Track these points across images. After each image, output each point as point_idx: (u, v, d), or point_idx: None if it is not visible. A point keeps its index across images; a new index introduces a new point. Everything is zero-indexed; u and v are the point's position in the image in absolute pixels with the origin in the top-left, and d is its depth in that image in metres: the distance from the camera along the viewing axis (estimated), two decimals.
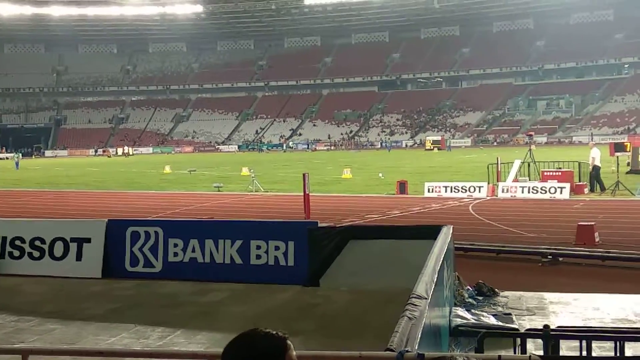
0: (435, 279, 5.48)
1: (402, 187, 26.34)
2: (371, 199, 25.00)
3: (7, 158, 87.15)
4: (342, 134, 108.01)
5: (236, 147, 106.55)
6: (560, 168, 27.04)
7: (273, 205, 23.37)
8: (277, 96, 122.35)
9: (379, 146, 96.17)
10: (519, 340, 5.54)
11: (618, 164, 25.20)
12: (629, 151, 28.89)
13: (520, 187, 24.55)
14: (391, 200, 24.18)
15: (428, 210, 21.07)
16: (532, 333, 5.59)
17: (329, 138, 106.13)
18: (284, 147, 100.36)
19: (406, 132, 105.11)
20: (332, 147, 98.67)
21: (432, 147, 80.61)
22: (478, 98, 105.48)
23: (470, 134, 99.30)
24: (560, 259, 12.34)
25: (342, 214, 19.78)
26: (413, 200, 23.79)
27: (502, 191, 24.78)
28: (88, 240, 11.36)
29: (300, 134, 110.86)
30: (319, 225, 10.74)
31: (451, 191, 25.20)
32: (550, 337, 5.24)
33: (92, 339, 7.72)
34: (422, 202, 23.29)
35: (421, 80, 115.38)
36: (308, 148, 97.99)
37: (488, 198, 24.23)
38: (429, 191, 25.62)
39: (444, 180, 27.71)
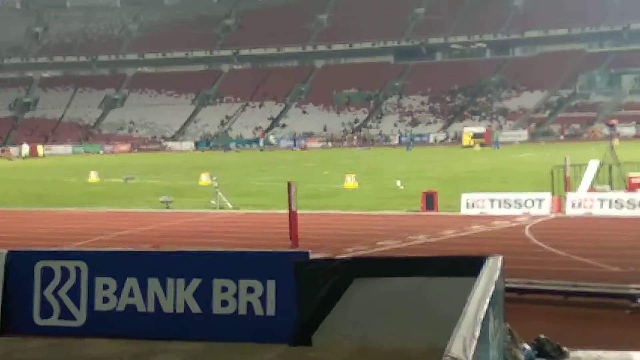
0: (477, 334, 5.55)
1: (430, 200, 26.50)
2: (386, 219, 25.22)
3: None
4: (343, 124, 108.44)
5: (192, 144, 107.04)
6: None
7: (245, 229, 23.53)
8: (251, 70, 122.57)
9: (397, 142, 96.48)
10: None
11: None
12: None
13: (598, 199, 24.72)
14: (414, 220, 24.41)
15: (467, 234, 21.31)
16: None
17: (325, 130, 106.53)
18: (261, 144, 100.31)
19: (435, 122, 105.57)
20: (330, 144, 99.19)
21: (472, 143, 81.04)
22: (537, 72, 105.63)
23: (526, 124, 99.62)
24: None
25: (343, 241, 20.06)
26: (445, 220, 24.02)
27: (573, 206, 24.93)
28: None
29: (284, 125, 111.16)
30: (311, 257, 10.80)
31: (500, 206, 25.52)
32: None
33: None
34: (459, 222, 23.51)
35: (456, 46, 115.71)
36: (295, 145, 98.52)
37: (552, 216, 24.41)
38: (467, 206, 25.89)
39: (490, 191, 27.88)
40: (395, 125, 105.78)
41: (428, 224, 23.12)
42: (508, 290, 10.91)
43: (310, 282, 10.44)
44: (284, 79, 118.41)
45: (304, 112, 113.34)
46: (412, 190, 31.87)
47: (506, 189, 29.73)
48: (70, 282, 11.08)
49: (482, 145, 79.81)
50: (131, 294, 10.89)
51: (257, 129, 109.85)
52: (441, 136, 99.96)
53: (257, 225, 24.51)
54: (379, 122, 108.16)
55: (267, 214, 27.02)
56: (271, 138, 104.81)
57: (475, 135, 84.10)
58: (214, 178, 32.91)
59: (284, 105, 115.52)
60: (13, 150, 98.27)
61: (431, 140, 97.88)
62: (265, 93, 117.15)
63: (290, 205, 19.82)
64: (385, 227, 23.11)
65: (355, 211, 27.60)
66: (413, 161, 57.81)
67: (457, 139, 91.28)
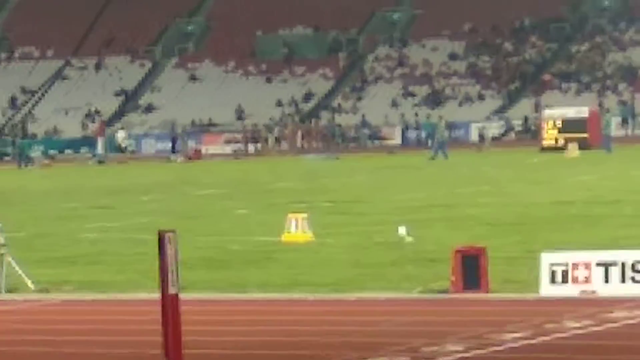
0: None
1: (472, 268, 20.16)
2: (375, 309, 19.33)
3: None
4: (280, 103, 78.70)
5: None
6: None
7: (65, 337, 17.75)
8: None
9: (399, 141, 73.70)
10: None
11: None
12: None
13: None
14: (437, 311, 18.93)
15: (555, 338, 15.47)
16: None
17: (241, 119, 77.68)
18: (100, 149, 71.75)
19: (481, 98, 76.02)
20: (251, 148, 72.97)
21: (560, 142, 60.82)
22: None
23: None
24: None
25: (285, 359, 15.47)
26: (506, 310, 18.60)
27: None
28: None
29: (149, 108, 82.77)
30: None
31: (624, 279, 19.60)
32: None
33: None
34: (536, 313, 17.58)
35: None
36: (175, 150, 72.28)
37: None
38: (554, 280, 19.90)
39: (603, 247, 21.28)
40: (395, 105, 76.54)
41: (468, 319, 17.21)
42: None
43: None
44: (146, 8, 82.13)
45: (192, 78, 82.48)
46: (432, 245, 24.96)
47: (636, 240, 22.76)
48: None
49: (582, 145, 58.12)
50: None
51: (90, 116, 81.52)
52: (495, 127, 72.61)
53: (91, 329, 17.99)
54: (359, 100, 78.09)
55: (114, 303, 20.83)
56: (121, 135, 77.21)
57: (568, 125, 60.80)
58: None
59: (149, 65, 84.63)
60: None
61: (473, 135, 71.39)
62: (110, 38, 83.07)
63: (165, 283, 13.18)
64: (373, 327, 17.01)
65: (310, 293, 20.51)
66: (434, 182, 43.54)
67: (530, 132, 69.59)
